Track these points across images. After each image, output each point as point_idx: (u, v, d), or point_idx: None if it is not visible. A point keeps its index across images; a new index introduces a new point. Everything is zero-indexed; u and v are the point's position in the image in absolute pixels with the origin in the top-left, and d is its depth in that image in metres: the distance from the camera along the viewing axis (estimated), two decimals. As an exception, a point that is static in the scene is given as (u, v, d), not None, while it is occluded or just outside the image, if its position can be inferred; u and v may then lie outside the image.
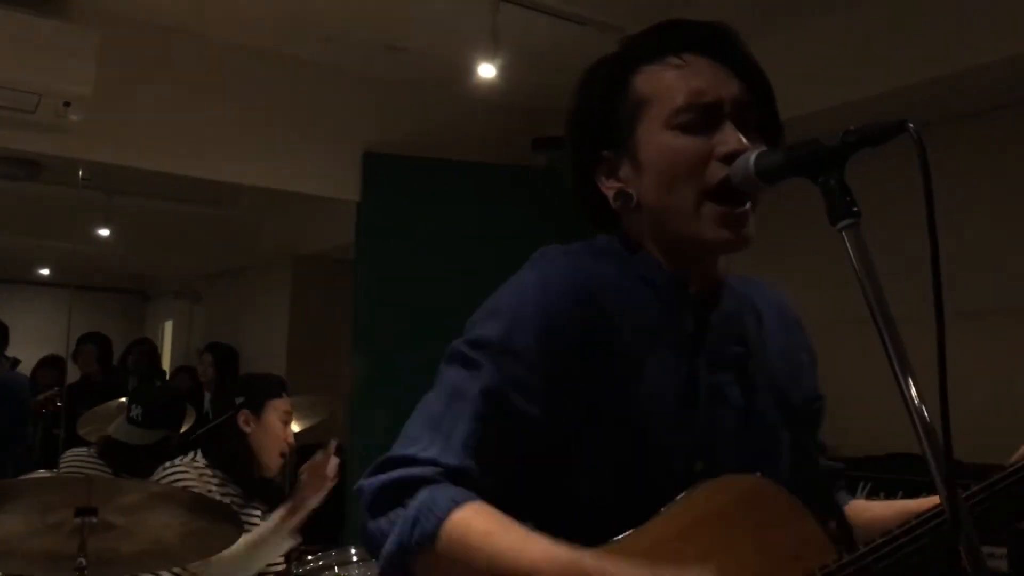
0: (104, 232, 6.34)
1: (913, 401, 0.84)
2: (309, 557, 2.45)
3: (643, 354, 1.08)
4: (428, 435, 1.02)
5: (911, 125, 0.85)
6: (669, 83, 1.09)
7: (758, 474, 1.04)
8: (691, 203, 1.07)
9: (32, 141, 3.61)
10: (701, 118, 1.07)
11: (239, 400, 2.57)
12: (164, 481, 2.44)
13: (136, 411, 3.01)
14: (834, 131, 0.92)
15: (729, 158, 1.05)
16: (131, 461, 2.90)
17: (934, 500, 1.12)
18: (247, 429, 2.50)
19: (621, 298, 1.09)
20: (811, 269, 3.75)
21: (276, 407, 2.55)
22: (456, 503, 0.97)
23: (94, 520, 1.97)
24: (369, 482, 1.02)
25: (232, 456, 2.49)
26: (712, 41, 1.11)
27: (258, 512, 2.53)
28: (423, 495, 0.98)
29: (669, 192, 1.08)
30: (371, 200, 4.36)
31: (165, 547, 2.12)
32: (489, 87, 3.76)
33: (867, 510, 1.21)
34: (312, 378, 5.36)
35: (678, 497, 1.01)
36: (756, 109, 1.11)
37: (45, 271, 9.01)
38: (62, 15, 3.45)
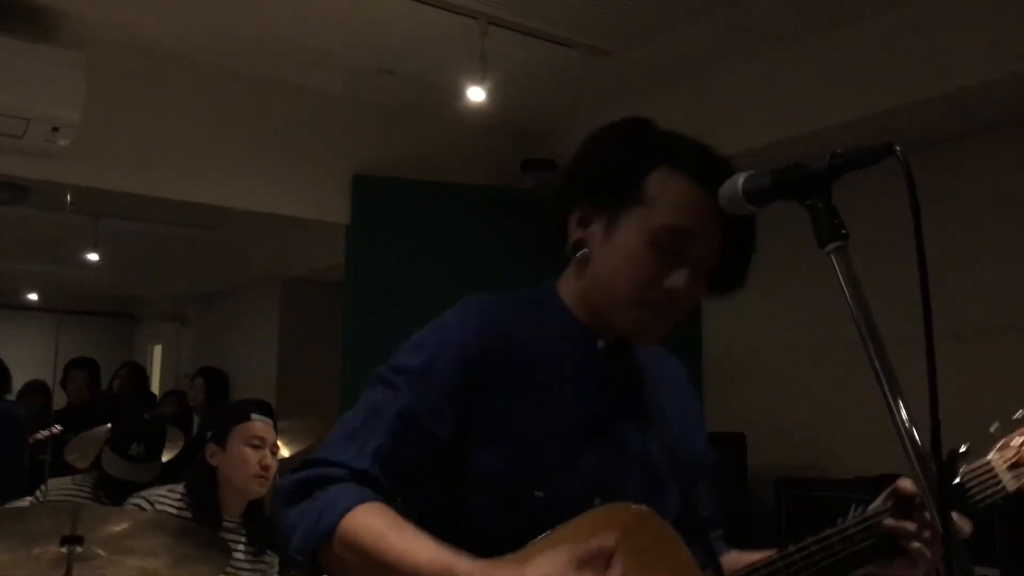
0: (92, 256, 6.32)
1: (904, 423, 0.84)
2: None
3: (551, 391, 1.19)
4: (343, 443, 1.14)
5: (898, 148, 0.85)
6: (673, 199, 1.15)
7: (644, 506, 1.14)
8: (627, 297, 1.17)
9: (20, 166, 3.59)
10: (672, 247, 1.15)
11: (208, 434, 2.58)
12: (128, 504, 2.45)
13: (137, 449, 3.01)
14: (819, 155, 0.93)
15: (672, 291, 1.14)
16: (127, 494, 2.87)
17: None
18: (213, 463, 2.50)
19: (535, 342, 1.21)
20: (802, 290, 3.76)
21: (241, 432, 2.49)
22: (357, 501, 1.07)
23: (79, 549, 1.95)
24: (285, 479, 1.14)
25: (199, 492, 2.49)
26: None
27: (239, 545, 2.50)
28: (330, 491, 1.09)
29: (615, 280, 1.18)
30: (360, 223, 4.35)
31: (152, 575, 2.10)
32: (478, 110, 3.77)
33: (740, 560, 1.26)
34: (302, 401, 5.32)
35: (574, 519, 1.10)
36: (722, 261, 1.18)
37: (33, 295, 8.97)
38: (51, 40, 3.45)
